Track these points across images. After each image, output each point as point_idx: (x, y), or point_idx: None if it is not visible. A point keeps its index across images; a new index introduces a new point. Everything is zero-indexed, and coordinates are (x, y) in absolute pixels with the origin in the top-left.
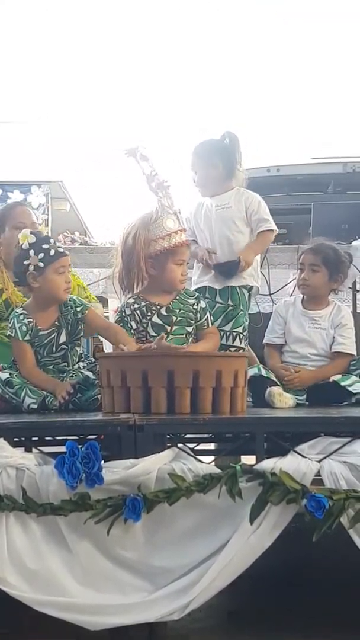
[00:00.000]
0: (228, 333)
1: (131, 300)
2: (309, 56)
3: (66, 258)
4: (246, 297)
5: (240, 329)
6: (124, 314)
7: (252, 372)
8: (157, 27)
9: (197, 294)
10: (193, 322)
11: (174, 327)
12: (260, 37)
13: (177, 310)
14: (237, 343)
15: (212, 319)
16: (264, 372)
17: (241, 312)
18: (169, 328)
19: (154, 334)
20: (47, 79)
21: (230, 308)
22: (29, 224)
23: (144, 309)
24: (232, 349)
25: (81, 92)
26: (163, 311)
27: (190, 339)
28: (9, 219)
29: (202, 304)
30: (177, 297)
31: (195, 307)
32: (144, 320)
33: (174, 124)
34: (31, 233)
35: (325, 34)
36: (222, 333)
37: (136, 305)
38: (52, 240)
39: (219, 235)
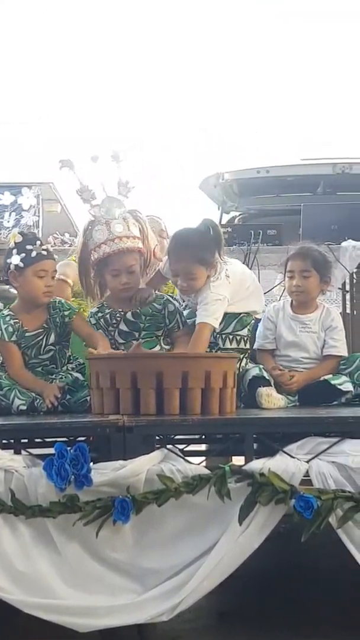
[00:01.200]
0: (246, 338)
1: (94, 310)
2: (309, 56)
3: (48, 262)
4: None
5: (244, 332)
6: (90, 324)
7: (253, 372)
8: (157, 28)
9: (165, 297)
10: (162, 325)
11: (143, 333)
12: (260, 37)
13: (144, 317)
14: (241, 345)
15: (183, 319)
16: (265, 375)
17: (253, 321)
18: (137, 334)
19: (122, 341)
20: (44, 79)
21: (243, 314)
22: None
23: (108, 316)
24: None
25: (78, 92)
26: (129, 316)
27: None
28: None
29: (171, 307)
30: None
31: (162, 312)
32: (110, 329)
33: (174, 124)
34: (19, 233)
35: (325, 34)
36: (224, 336)
37: (100, 314)
38: (38, 242)
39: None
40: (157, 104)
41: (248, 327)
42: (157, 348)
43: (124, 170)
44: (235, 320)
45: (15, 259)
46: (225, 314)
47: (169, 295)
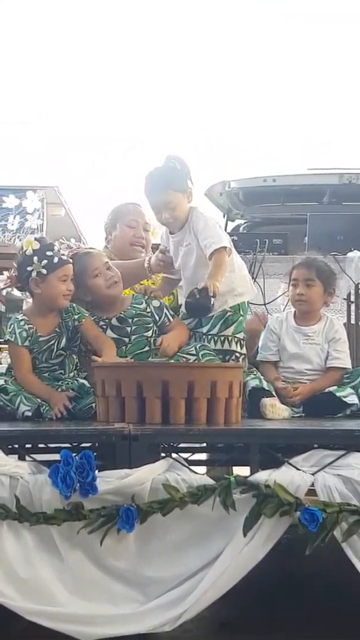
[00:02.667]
0: (230, 338)
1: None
2: (309, 55)
3: (69, 266)
4: (245, 303)
5: (241, 335)
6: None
7: (253, 383)
8: (157, 29)
9: (145, 297)
10: (151, 325)
11: (133, 336)
12: (260, 38)
13: (131, 320)
14: (237, 348)
15: (171, 312)
16: (265, 385)
17: (241, 318)
18: (126, 340)
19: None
20: (45, 79)
21: (229, 313)
22: (141, 223)
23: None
24: (236, 354)
25: (78, 93)
26: (115, 322)
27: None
28: (121, 216)
29: (155, 302)
30: (129, 306)
31: (148, 310)
32: None
33: (174, 123)
34: (35, 239)
35: (324, 33)
36: (223, 338)
37: None
38: (55, 248)
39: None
40: (157, 105)
41: (234, 326)
42: (147, 349)
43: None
44: (221, 321)
45: (37, 266)
46: (211, 316)
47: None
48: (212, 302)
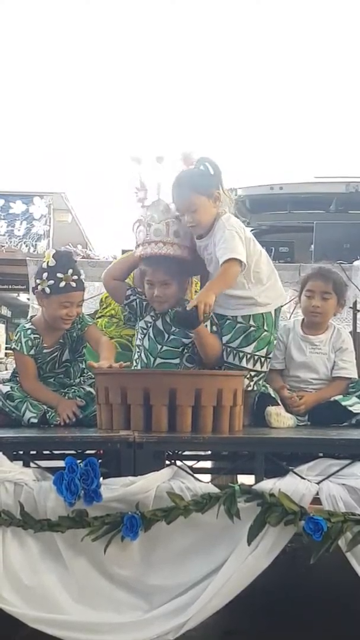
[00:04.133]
0: (249, 355)
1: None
2: (318, 64)
3: (76, 294)
4: (272, 316)
5: (263, 352)
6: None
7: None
8: (158, 33)
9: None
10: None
11: (170, 337)
12: (267, 43)
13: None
14: (257, 367)
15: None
16: (271, 392)
17: (265, 333)
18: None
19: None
20: (54, 88)
21: (252, 329)
22: None
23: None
24: (252, 374)
25: (87, 101)
26: (159, 324)
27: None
28: None
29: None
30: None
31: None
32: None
33: (180, 131)
34: (53, 256)
35: (335, 41)
36: (241, 354)
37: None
38: (70, 271)
39: None
40: (160, 113)
41: (256, 343)
42: (177, 361)
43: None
44: (242, 336)
45: (44, 283)
46: (233, 326)
47: None
48: (201, 319)
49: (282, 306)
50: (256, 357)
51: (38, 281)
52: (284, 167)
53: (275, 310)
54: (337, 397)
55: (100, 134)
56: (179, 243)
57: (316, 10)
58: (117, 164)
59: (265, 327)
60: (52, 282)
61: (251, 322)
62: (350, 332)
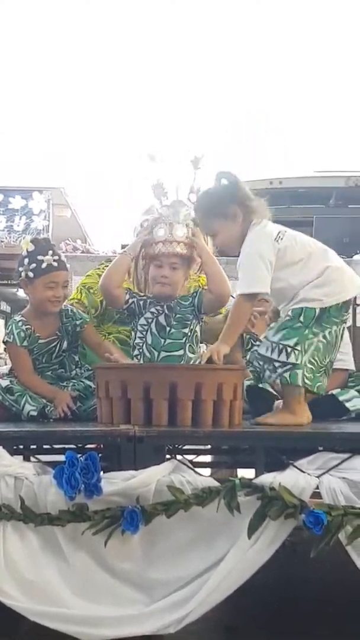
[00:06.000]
0: (274, 345)
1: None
2: (318, 58)
3: (60, 273)
4: (316, 312)
5: (290, 342)
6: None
7: (248, 382)
8: (158, 33)
9: (191, 293)
10: (191, 317)
11: (172, 330)
12: (269, 39)
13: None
14: (282, 358)
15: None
16: (267, 386)
17: (299, 325)
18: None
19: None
20: (55, 84)
21: (287, 318)
22: None
23: (141, 302)
24: (277, 364)
25: (87, 98)
26: (162, 319)
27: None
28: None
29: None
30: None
31: (192, 302)
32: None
33: (180, 127)
34: (31, 241)
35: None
36: (268, 344)
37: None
38: (50, 252)
39: None
40: (165, 107)
41: (284, 332)
42: (181, 352)
43: (198, 177)
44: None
45: (26, 269)
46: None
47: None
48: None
49: (337, 305)
50: (281, 347)
51: (21, 269)
52: (283, 161)
53: (324, 307)
54: (334, 391)
55: (100, 131)
56: (194, 244)
57: (317, 8)
58: (116, 162)
59: (301, 319)
60: (34, 265)
61: (289, 313)
62: (349, 327)
